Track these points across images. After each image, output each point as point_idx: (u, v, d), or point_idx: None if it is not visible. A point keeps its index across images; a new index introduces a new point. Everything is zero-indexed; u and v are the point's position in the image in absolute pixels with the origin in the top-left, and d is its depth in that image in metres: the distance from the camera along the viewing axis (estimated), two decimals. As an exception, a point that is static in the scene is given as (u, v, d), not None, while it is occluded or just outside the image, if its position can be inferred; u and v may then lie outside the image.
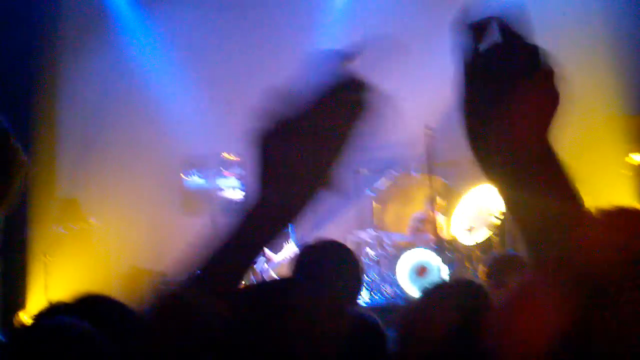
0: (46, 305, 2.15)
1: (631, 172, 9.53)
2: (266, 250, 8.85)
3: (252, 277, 8.68)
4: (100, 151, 11.28)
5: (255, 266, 8.71)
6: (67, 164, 11.16)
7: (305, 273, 2.30)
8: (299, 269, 2.33)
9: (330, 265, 2.30)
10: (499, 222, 8.64)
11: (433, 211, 9.51)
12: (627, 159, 9.79)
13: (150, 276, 10.27)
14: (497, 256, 3.80)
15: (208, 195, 11.28)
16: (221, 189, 11.38)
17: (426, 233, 9.51)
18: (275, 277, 8.85)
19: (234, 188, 11.40)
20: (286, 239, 9.77)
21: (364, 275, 2.38)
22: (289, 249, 9.12)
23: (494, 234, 8.70)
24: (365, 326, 2.13)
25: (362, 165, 10.60)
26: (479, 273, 3.75)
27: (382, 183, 9.98)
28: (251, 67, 11.28)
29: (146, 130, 11.25)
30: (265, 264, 8.84)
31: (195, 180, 11.42)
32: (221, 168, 11.43)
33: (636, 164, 9.69)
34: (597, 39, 10.11)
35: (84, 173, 11.17)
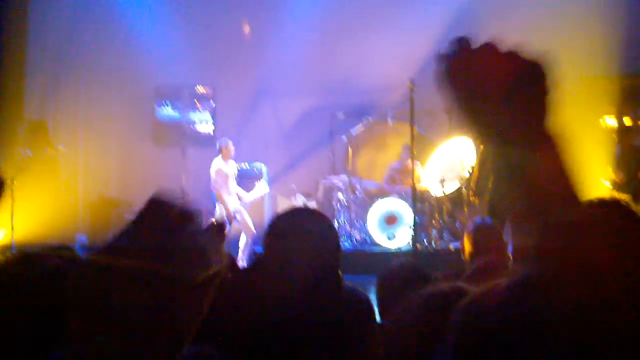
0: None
1: (606, 135, 9.66)
2: (239, 189, 8.85)
3: (225, 216, 8.68)
4: (72, 76, 11.00)
5: (228, 206, 8.70)
6: (37, 87, 10.87)
7: (279, 245, 2.24)
8: (273, 241, 2.27)
9: (306, 234, 2.24)
10: (468, 175, 8.70)
11: (411, 160, 9.54)
12: (601, 121, 9.93)
13: (117, 206, 10.21)
14: (479, 223, 3.81)
15: (180, 128, 11.15)
16: (193, 122, 11.25)
17: (401, 183, 9.55)
18: (247, 217, 8.85)
19: (206, 121, 11.29)
20: (258, 178, 9.75)
21: (340, 245, 2.33)
22: (261, 189, 9.10)
23: (463, 186, 8.77)
24: (356, 301, 2.12)
25: (338, 109, 10.58)
26: (464, 240, 3.77)
27: (358, 129, 9.94)
28: (226, 2, 11.04)
29: (120, 57, 10.97)
30: (238, 203, 8.81)
31: (167, 111, 11.25)
32: (194, 100, 11.28)
33: (610, 127, 9.83)
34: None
35: (54, 98, 10.91)
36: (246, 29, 11.22)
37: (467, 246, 3.62)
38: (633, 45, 9.74)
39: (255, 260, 2.45)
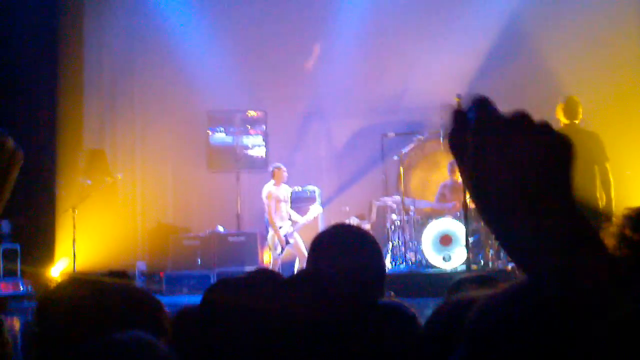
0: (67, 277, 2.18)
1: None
2: (293, 213, 8.91)
3: (276, 241, 8.74)
4: (127, 104, 11.30)
5: (280, 230, 8.76)
6: (94, 116, 11.20)
7: (322, 261, 2.26)
8: (316, 256, 2.29)
9: (350, 252, 2.26)
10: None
11: (459, 178, 9.46)
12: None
13: (175, 232, 10.40)
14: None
15: (233, 152, 11.29)
16: (246, 146, 11.38)
17: (452, 201, 9.46)
18: (300, 241, 8.88)
19: (258, 146, 11.41)
20: (311, 201, 9.80)
21: (385, 262, 2.33)
22: (314, 211, 9.14)
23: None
24: (399, 317, 2.11)
25: (389, 129, 10.56)
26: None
27: (409, 148, 9.91)
28: (278, 26, 11.18)
29: (173, 84, 11.23)
30: (291, 227, 8.87)
31: (220, 136, 11.42)
32: (247, 125, 11.42)
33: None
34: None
35: (111, 126, 11.22)
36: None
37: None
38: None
39: (296, 275, 2.44)
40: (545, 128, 0.80)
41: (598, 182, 6.31)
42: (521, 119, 0.81)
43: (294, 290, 1.93)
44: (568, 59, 10.21)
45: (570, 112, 6.56)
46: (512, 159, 0.78)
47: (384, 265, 2.38)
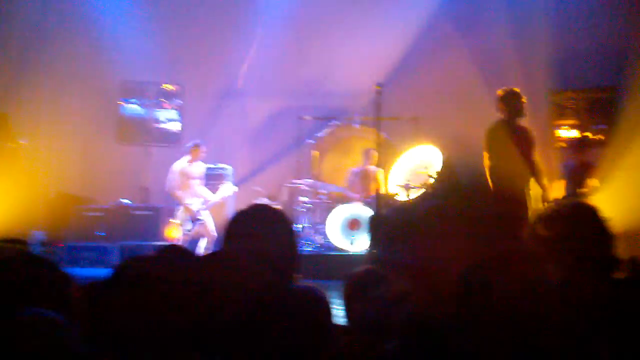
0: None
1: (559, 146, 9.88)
2: (205, 191, 8.79)
3: (188, 216, 8.61)
4: (36, 68, 10.81)
5: (191, 206, 8.62)
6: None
7: (236, 242, 2.26)
8: (230, 237, 2.29)
9: (264, 233, 2.27)
10: (433, 181, 8.74)
11: (371, 165, 9.59)
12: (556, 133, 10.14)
13: (77, 203, 10.07)
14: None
15: (145, 125, 11.01)
16: (159, 120, 11.12)
17: (362, 187, 9.57)
18: (210, 219, 8.77)
19: (172, 120, 11.17)
20: (223, 179, 9.68)
21: (298, 243, 2.36)
22: (226, 190, 9.02)
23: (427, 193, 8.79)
24: (311, 299, 2.11)
25: (306, 112, 10.56)
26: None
27: (324, 132, 9.96)
28: (196, 1, 10.98)
29: (85, 51, 10.84)
30: (202, 205, 8.73)
31: (132, 108, 11.11)
32: (161, 99, 11.16)
33: (564, 138, 10.03)
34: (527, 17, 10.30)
35: (17, 90, 10.69)
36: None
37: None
38: (597, 60, 9.91)
39: (211, 255, 2.44)
40: None
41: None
42: None
43: (207, 269, 1.91)
44: (489, 48, 10.48)
45: (510, 106, 6.75)
46: None
47: (298, 247, 2.39)
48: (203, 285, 1.91)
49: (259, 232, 2.22)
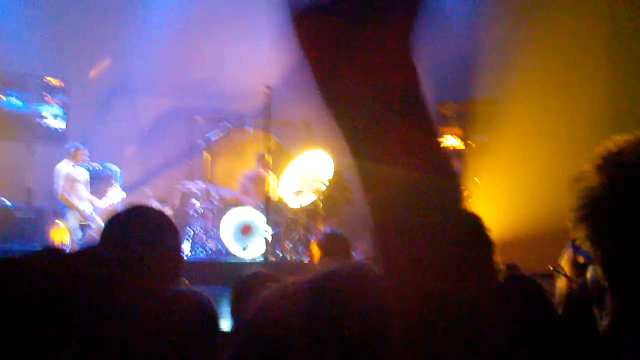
0: None
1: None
2: (91, 196, 8.54)
3: (77, 224, 8.36)
4: None
5: (83, 211, 8.38)
6: None
7: (113, 244, 2.21)
8: (107, 239, 2.24)
9: (143, 235, 2.23)
10: (324, 188, 8.90)
11: (264, 170, 9.65)
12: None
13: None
14: (328, 233, 4.08)
15: (26, 120, 10.50)
16: (42, 116, 10.64)
17: (255, 192, 9.61)
18: (101, 224, 8.55)
19: (57, 116, 10.72)
20: (110, 180, 9.45)
21: (181, 249, 2.32)
22: (115, 194, 8.83)
23: (319, 199, 8.95)
24: (195, 306, 2.13)
25: (197, 113, 10.46)
26: (311, 245, 4.01)
27: (216, 134, 9.90)
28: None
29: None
30: (91, 211, 8.49)
31: (12, 101, 10.56)
32: (43, 93, 10.68)
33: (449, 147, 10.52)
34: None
35: None
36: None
37: (316, 252, 3.84)
38: (478, 72, 10.44)
39: (86, 248, 2.35)
40: None
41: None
42: None
43: (80, 274, 1.87)
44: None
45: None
46: None
47: (180, 250, 2.37)
48: (79, 288, 1.87)
49: (138, 234, 2.16)
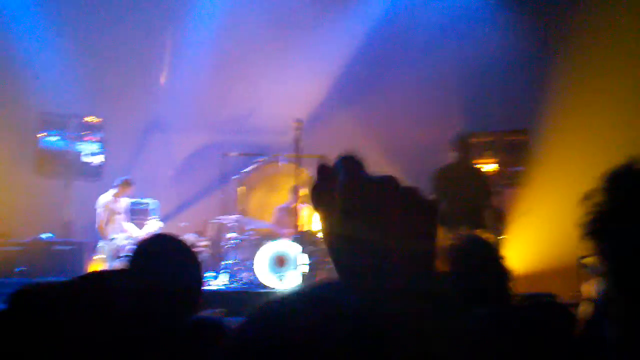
0: None
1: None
2: (130, 226, 8.67)
3: (112, 252, 8.47)
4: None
5: (113, 242, 8.50)
6: None
7: (138, 272, 2.23)
8: (133, 267, 2.27)
9: (165, 263, 2.25)
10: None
11: (297, 202, 9.69)
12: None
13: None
14: None
15: (66, 158, 10.76)
16: (81, 153, 10.90)
17: (289, 224, 9.65)
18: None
19: (94, 153, 10.96)
20: (148, 214, 9.59)
21: (202, 276, 2.32)
22: (153, 226, 8.96)
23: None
24: (215, 333, 2.13)
25: (231, 148, 10.61)
26: None
27: (250, 169, 10.01)
28: (122, 32, 10.91)
29: (5, 82, 10.54)
30: (126, 240, 8.61)
31: (52, 140, 10.84)
32: (82, 132, 10.94)
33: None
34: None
35: None
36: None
37: None
38: (511, 103, 10.44)
39: (111, 274, 2.37)
40: (412, 191, 0.83)
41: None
42: (389, 182, 0.83)
43: (104, 299, 1.89)
44: (409, 88, 10.84)
45: (462, 148, 6.98)
46: (379, 221, 0.80)
47: (202, 278, 2.37)
48: (102, 313, 1.89)
49: (163, 261, 2.20)
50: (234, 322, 2.22)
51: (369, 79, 11.16)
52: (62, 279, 6.62)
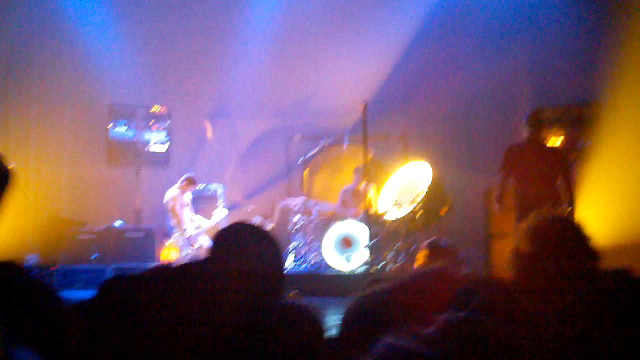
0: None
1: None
2: (197, 217, 8.85)
3: (183, 241, 8.64)
4: (23, 93, 10.80)
5: (185, 232, 8.68)
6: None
7: (221, 260, 2.25)
8: (213, 255, 2.28)
9: (248, 250, 2.26)
10: (423, 199, 8.81)
11: (363, 183, 9.68)
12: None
13: (70, 226, 10.03)
14: (435, 241, 3.99)
15: (134, 147, 11.00)
16: (148, 142, 11.12)
17: (355, 205, 9.65)
18: (206, 240, 8.84)
19: (161, 142, 11.17)
20: (214, 200, 9.74)
21: (284, 262, 2.32)
22: (219, 215, 9.10)
23: (418, 209, 8.85)
24: (302, 317, 2.12)
25: (295, 132, 10.66)
26: (419, 255, 3.92)
27: (314, 152, 10.04)
28: (185, 22, 11.07)
29: (73, 75, 10.86)
30: (196, 230, 8.80)
31: (121, 130, 11.10)
32: (149, 122, 11.16)
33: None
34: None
35: (4, 114, 10.67)
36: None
37: (422, 260, 3.76)
38: (578, 77, 10.13)
39: (192, 264, 2.39)
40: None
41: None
42: None
43: (188, 289, 1.91)
44: (474, 66, 10.65)
45: (535, 125, 6.87)
46: None
47: (283, 264, 2.39)
48: (188, 302, 1.90)
49: (243, 249, 2.21)
50: (310, 303, 2.22)
51: (432, 57, 11.00)
52: (138, 265, 6.80)
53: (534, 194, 6.66)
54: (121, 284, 1.98)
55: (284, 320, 2.00)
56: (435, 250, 3.98)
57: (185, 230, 8.69)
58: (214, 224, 9.02)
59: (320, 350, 2.02)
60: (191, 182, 9.02)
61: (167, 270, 2.13)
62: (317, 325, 2.04)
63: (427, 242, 4.01)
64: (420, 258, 4.04)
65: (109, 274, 8.86)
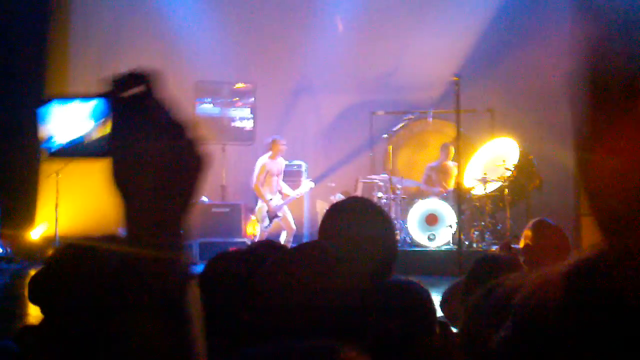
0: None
1: None
2: (285, 186, 8.92)
3: (264, 213, 8.73)
4: (114, 72, 11.14)
5: (271, 202, 8.76)
6: (81, 84, 11.03)
7: (334, 234, 2.22)
8: (327, 230, 2.26)
9: (362, 225, 2.22)
10: (511, 175, 8.59)
11: (448, 159, 9.52)
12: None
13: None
14: (541, 220, 3.83)
15: (219, 124, 11.18)
16: (233, 118, 11.28)
17: (439, 182, 9.50)
18: (289, 214, 8.91)
19: (246, 118, 11.30)
20: (298, 175, 9.79)
21: (396, 239, 2.33)
22: (306, 186, 9.15)
23: (505, 185, 8.64)
24: (413, 294, 2.09)
25: (378, 107, 10.55)
26: (523, 235, 3.80)
27: (398, 127, 9.91)
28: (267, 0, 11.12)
29: (160, 54, 11.08)
30: (281, 200, 8.86)
31: (207, 107, 11.30)
32: (234, 98, 11.31)
33: None
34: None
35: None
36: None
37: (528, 239, 3.63)
38: None
39: (309, 248, 2.38)
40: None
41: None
42: None
43: (298, 264, 1.90)
44: (564, 40, 10.22)
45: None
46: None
47: (396, 241, 2.35)
48: (302, 278, 1.89)
49: (357, 224, 2.16)
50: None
51: (519, 28, 10.62)
52: (223, 240, 6.90)
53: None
54: (228, 260, 2.00)
55: (400, 296, 1.96)
56: (542, 229, 3.84)
57: (270, 200, 8.73)
58: (300, 194, 9.10)
59: (433, 325, 2.01)
60: (275, 143, 9.02)
61: (272, 245, 2.14)
62: (429, 301, 2.03)
63: (532, 221, 3.86)
64: (527, 238, 3.91)
65: (195, 248, 9.06)
